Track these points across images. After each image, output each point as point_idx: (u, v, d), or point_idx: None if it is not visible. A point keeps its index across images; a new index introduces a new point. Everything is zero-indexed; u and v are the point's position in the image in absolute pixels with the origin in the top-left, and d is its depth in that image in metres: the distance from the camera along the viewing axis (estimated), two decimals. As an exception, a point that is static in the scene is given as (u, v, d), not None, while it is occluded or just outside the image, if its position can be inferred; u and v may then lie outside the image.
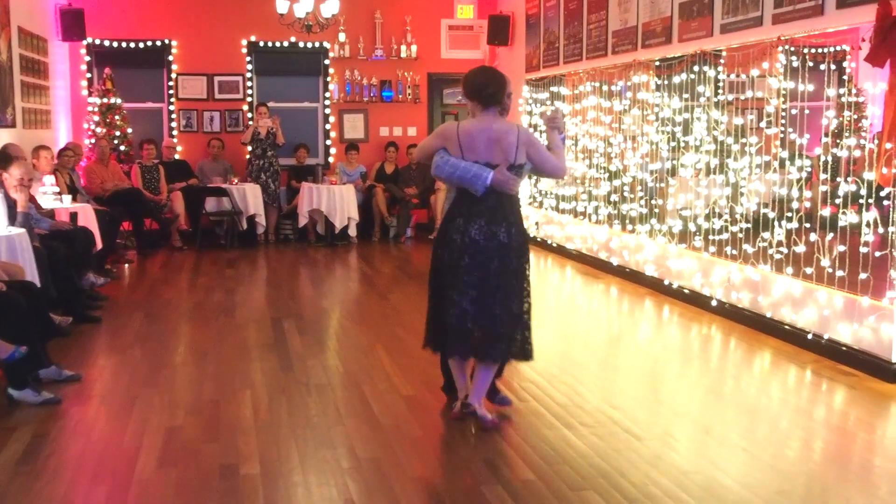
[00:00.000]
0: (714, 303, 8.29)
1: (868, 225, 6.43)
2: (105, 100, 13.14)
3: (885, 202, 6.27)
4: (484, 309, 5.13)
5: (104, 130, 13.06)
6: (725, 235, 8.24)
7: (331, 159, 14.54)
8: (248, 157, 13.66)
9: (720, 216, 8.35)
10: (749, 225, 7.92)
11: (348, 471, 4.60)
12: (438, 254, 5.29)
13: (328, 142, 14.62)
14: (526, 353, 5.31)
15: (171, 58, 14.00)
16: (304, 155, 14.07)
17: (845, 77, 8.39)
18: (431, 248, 5.47)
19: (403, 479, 4.50)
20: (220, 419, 5.42)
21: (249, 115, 14.17)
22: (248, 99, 14.31)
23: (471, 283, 5.11)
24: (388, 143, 14.35)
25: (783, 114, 7.68)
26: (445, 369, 5.61)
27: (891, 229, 6.19)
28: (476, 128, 5.17)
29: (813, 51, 7.63)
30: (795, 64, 7.31)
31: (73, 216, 9.57)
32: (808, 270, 7.05)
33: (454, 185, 5.22)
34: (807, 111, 7.27)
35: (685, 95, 8.93)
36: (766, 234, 7.58)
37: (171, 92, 14.09)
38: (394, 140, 14.53)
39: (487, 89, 5.21)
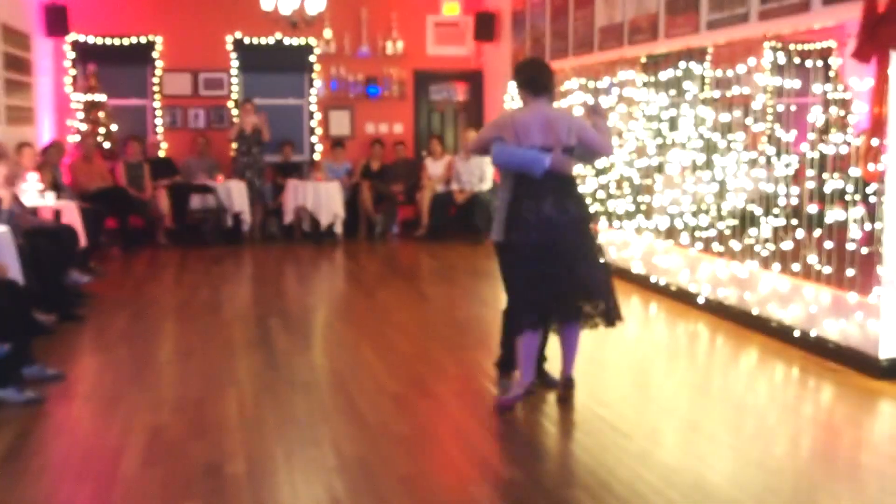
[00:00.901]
0: (701, 299, 8.30)
1: (855, 221, 6.43)
2: (89, 96, 13.07)
3: (872, 198, 6.28)
4: (567, 275, 5.34)
5: (88, 127, 12.99)
6: (712, 232, 8.24)
7: (317, 156, 14.48)
8: (233, 154, 13.59)
9: (707, 213, 8.35)
10: (736, 221, 7.92)
11: (334, 469, 4.58)
12: (509, 237, 5.46)
13: (314, 138, 14.57)
14: (615, 317, 5.58)
15: (155, 54, 13.91)
16: (290, 152, 14.03)
17: (832, 73, 8.40)
18: (496, 238, 5.63)
19: (390, 478, 4.48)
20: (205, 417, 5.39)
21: (235, 111, 14.10)
22: (234, 96, 14.23)
23: (549, 257, 5.32)
24: (374, 140, 14.31)
25: (770, 110, 7.69)
26: (508, 346, 5.71)
27: (877, 225, 6.20)
28: (530, 116, 5.44)
29: (799, 47, 7.64)
30: (782, 60, 7.32)
31: (57, 214, 9.51)
32: (795, 267, 7.05)
33: (513, 171, 5.46)
34: (793, 107, 7.28)
35: (672, 92, 8.93)
36: (753, 231, 7.58)
37: (155, 88, 13.99)
38: (380, 137, 14.49)
39: (540, 79, 5.53)
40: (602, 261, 5.62)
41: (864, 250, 6.34)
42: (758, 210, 7.55)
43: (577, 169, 6.78)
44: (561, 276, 5.34)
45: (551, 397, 5.72)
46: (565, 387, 5.60)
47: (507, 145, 5.41)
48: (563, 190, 5.39)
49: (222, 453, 4.79)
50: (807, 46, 7.72)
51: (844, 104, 7.14)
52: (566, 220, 5.35)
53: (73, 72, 13.54)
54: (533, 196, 5.35)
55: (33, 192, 9.66)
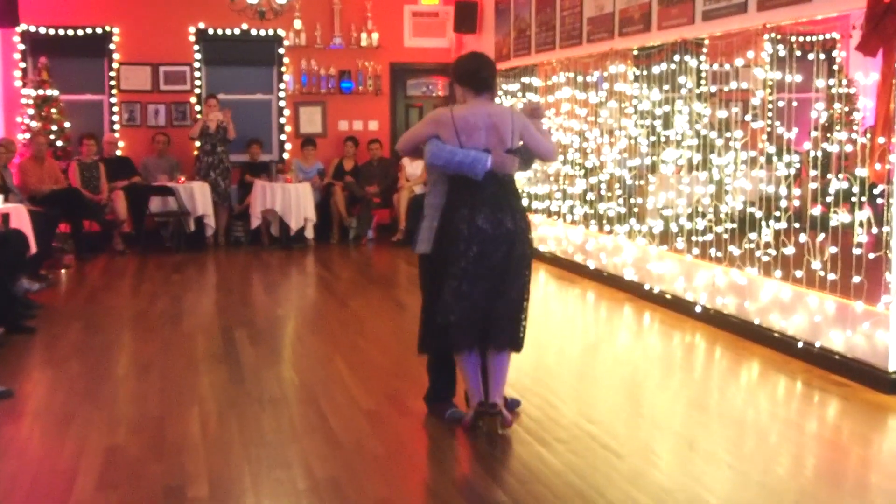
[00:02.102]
0: (698, 308, 8.31)
1: (861, 225, 6.45)
2: (41, 91, 13.00)
3: (879, 200, 6.30)
4: (496, 295, 5.31)
5: (40, 125, 12.92)
6: (709, 236, 8.26)
7: (286, 155, 14.46)
8: (196, 153, 13.56)
9: (704, 216, 8.37)
10: (734, 225, 7.94)
11: (305, 492, 4.55)
12: (440, 248, 5.37)
13: (283, 136, 14.54)
14: (520, 343, 5.49)
15: (112, 46, 13.85)
16: (257, 151, 14.00)
17: (835, 67, 8.46)
18: (417, 247, 5.53)
19: (365, 501, 4.45)
20: (165, 437, 5.35)
21: (198, 107, 14.07)
22: (197, 91, 14.19)
23: (480, 273, 5.26)
24: (348, 138, 14.29)
25: (770, 106, 7.72)
26: (436, 373, 5.67)
27: (885, 229, 6.22)
28: (473, 113, 5.35)
29: (801, 39, 7.68)
30: (782, 53, 7.34)
31: (5, 218, 9.43)
32: (798, 274, 7.07)
33: (451, 172, 5.33)
34: (795, 103, 7.30)
35: (665, 87, 8.95)
36: (753, 235, 7.60)
37: (112, 83, 13.94)
38: (353, 135, 14.47)
39: (481, 73, 5.44)
40: (528, 283, 5.50)
41: (872, 256, 6.36)
42: (758, 213, 7.56)
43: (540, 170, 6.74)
44: (491, 296, 5.30)
45: (534, 413, 5.70)
46: (491, 414, 5.33)
47: (446, 144, 5.30)
48: (502, 200, 5.31)
49: (184, 476, 4.75)
50: (809, 38, 7.75)
51: (849, 100, 7.23)
52: (500, 235, 5.27)
53: (23, 65, 13.48)
54: (469, 205, 5.27)
55: (-21, 195, 9.59)
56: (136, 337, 8.01)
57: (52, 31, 13.58)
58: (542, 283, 10.72)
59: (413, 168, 13.62)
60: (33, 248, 9.49)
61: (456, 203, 5.32)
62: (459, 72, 5.49)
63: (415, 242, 5.56)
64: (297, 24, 14.25)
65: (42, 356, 7.38)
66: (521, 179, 12.40)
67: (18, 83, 13.37)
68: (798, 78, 7.25)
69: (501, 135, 5.31)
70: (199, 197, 12.86)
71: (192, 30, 14.11)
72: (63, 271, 11.12)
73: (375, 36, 14.61)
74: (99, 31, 13.79)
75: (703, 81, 8.55)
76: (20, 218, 9.64)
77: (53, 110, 13.07)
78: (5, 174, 10.91)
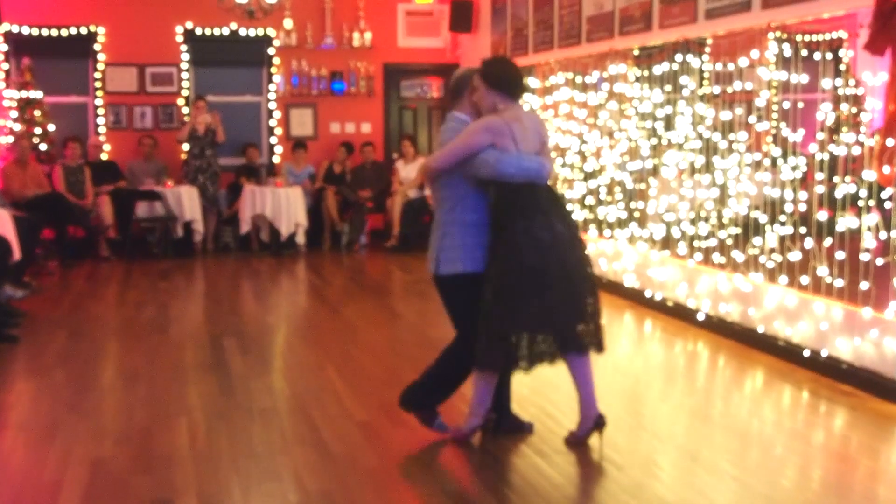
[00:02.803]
0: (700, 316, 8.31)
1: (869, 229, 6.46)
2: (24, 93, 12.95)
3: (887, 204, 6.31)
4: (570, 300, 5.34)
5: (23, 127, 12.88)
6: (713, 242, 8.26)
7: (276, 159, 14.45)
8: (184, 156, 13.54)
9: (707, 220, 8.38)
10: (738, 230, 7.95)
11: (296, 506, 4.54)
12: (501, 265, 5.22)
13: (273, 139, 14.53)
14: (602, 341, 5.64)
15: (97, 46, 13.84)
16: (255, 154, 13.98)
17: (842, 67, 8.49)
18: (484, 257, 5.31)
19: (358, 515, 4.45)
20: (152, 449, 5.34)
21: (186, 110, 14.06)
22: (184, 92, 14.18)
23: (549, 282, 5.22)
24: (340, 141, 14.29)
25: (775, 108, 7.73)
26: (436, 385, 5.61)
27: (893, 234, 6.22)
28: (520, 118, 5.34)
29: (807, 38, 7.70)
30: (788, 53, 7.35)
31: (-13, 223, 9.42)
32: (804, 280, 7.08)
33: (519, 180, 5.20)
34: (800, 104, 7.31)
35: (667, 87, 8.96)
36: (758, 240, 7.61)
37: (97, 85, 13.92)
38: (346, 137, 14.47)
39: (521, 79, 5.49)
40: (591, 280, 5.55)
41: (880, 261, 6.37)
42: (762, 217, 7.57)
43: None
44: (558, 303, 5.26)
45: (535, 424, 5.69)
46: (598, 426, 5.39)
47: (505, 153, 5.19)
48: (557, 203, 5.38)
49: (172, 489, 4.74)
50: (815, 37, 7.78)
51: (856, 100, 7.24)
52: (566, 239, 5.29)
53: (5, 66, 13.46)
54: (541, 210, 5.23)
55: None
56: (123, 346, 8.00)
57: (35, 31, 13.56)
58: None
59: (407, 172, 13.62)
60: (17, 255, 9.46)
61: (519, 211, 5.19)
62: (498, 77, 5.37)
63: (441, 262, 5.34)
64: (288, 23, 14.25)
65: (25, 365, 7.37)
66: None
67: (1, 85, 13.36)
68: (804, 78, 7.26)
69: (543, 138, 5.44)
70: (186, 202, 12.85)
71: (179, 29, 14.10)
72: (47, 278, 11.10)
73: (368, 35, 14.61)
74: (84, 30, 13.77)
75: (705, 82, 8.56)
76: (3, 223, 9.61)
77: (37, 112, 13.02)
78: (-13, 178, 10.89)
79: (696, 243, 8.51)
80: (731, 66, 7.97)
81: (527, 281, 5.17)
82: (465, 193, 5.32)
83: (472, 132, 5.26)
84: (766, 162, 7.70)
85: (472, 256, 5.28)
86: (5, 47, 13.47)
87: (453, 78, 5.62)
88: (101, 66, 13.89)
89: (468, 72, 5.53)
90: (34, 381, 6.92)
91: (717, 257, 8.19)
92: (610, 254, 10.08)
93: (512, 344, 5.23)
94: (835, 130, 7.19)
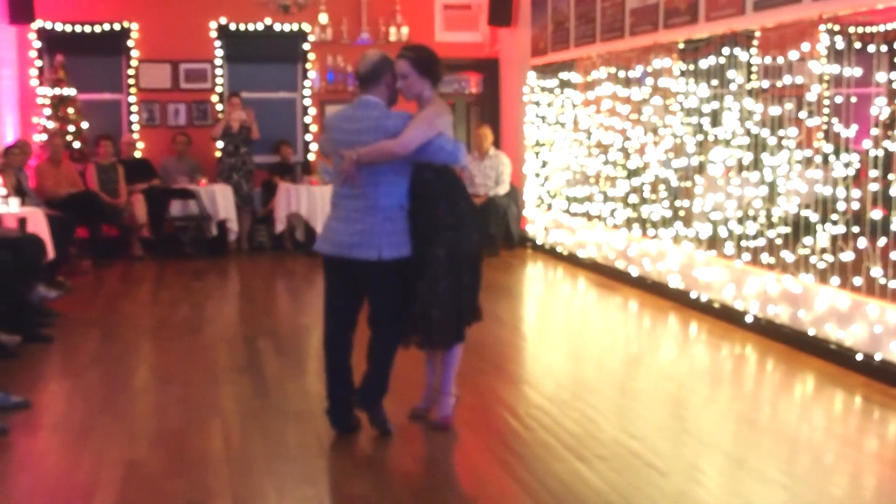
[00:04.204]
0: (748, 318, 8.26)
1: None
2: (57, 91, 13.10)
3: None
4: (461, 286, 5.73)
5: (56, 125, 13.02)
6: (761, 241, 8.21)
7: (311, 156, 14.51)
8: (217, 154, 13.62)
9: (755, 219, 8.32)
10: (788, 229, 7.89)
11: (332, 511, 4.57)
12: (459, 235, 5.67)
13: (308, 137, 14.60)
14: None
15: (130, 43, 13.95)
16: (289, 152, 14.03)
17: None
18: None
19: (395, 520, 4.46)
20: (185, 451, 5.38)
21: (220, 107, 14.15)
22: (218, 89, 14.27)
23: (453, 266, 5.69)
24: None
25: (826, 102, 7.66)
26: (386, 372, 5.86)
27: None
28: None
29: (860, 30, 7.62)
30: (840, 45, 7.28)
31: (22, 222, 9.53)
32: (857, 281, 7.02)
33: (443, 162, 5.65)
34: (853, 99, 7.25)
35: (714, 82, 8.91)
36: (808, 240, 7.55)
37: (130, 82, 14.04)
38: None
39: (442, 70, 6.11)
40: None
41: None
42: (813, 216, 7.51)
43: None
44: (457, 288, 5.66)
45: (572, 428, 5.69)
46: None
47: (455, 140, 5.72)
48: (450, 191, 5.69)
49: (206, 492, 4.78)
50: (869, 29, 7.70)
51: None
52: (458, 226, 5.65)
53: (38, 63, 13.60)
54: (430, 200, 5.61)
55: (-6, 199, 9.69)
56: (156, 346, 8.07)
57: (68, 28, 13.70)
58: (580, 290, 10.69)
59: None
60: (50, 254, 9.59)
61: (450, 195, 5.65)
62: (430, 65, 5.86)
63: (384, 247, 5.49)
64: (323, 18, 14.30)
65: (59, 366, 7.45)
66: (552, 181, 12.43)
67: (34, 82, 13.50)
68: (857, 72, 7.19)
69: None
70: (220, 200, 12.92)
71: (213, 25, 14.18)
72: (80, 278, 11.21)
73: (405, 30, 14.62)
74: (117, 27, 13.89)
75: (753, 76, 8.51)
76: (37, 222, 9.74)
77: (70, 110, 13.15)
78: (21, 177, 11.01)
79: (743, 243, 8.46)
80: (780, 60, 7.92)
81: (471, 259, 5.67)
82: (403, 179, 5.56)
83: (438, 120, 5.65)
84: (818, 159, 7.64)
85: (408, 241, 5.54)
86: (39, 44, 13.61)
87: (367, 62, 5.76)
88: (134, 63, 14.01)
89: (384, 57, 5.82)
90: (67, 382, 6.99)
91: (765, 257, 8.13)
92: (654, 254, 10.04)
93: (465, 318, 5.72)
94: (890, 126, 7.13)
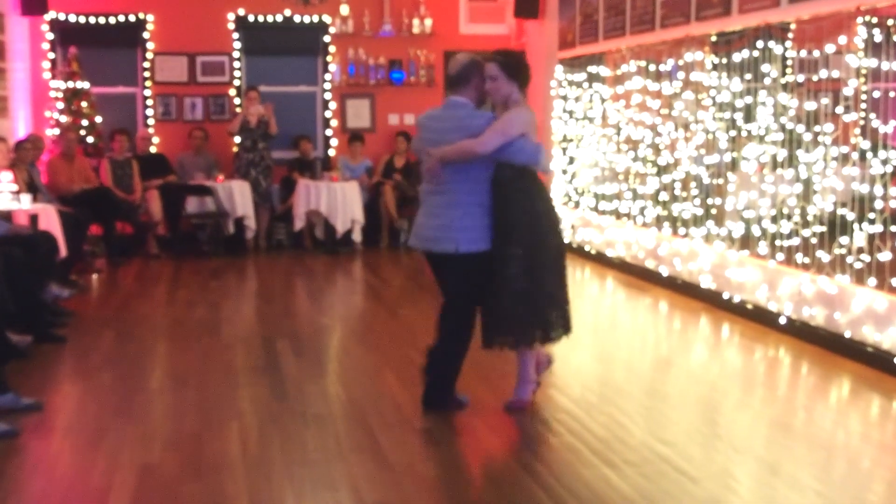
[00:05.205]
0: (782, 320, 8.24)
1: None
2: (70, 84, 13.17)
3: None
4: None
5: (69, 119, 13.09)
6: (796, 241, 8.18)
7: (331, 152, 14.54)
8: (235, 149, 13.68)
9: (789, 218, 8.30)
10: (824, 228, 7.86)
11: (352, 516, 4.58)
12: (538, 235, 6.02)
13: (328, 132, 14.63)
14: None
15: (146, 35, 14.03)
16: (308, 147, 14.06)
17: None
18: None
19: (417, 527, 4.48)
20: (202, 455, 5.41)
21: (237, 101, 14.20)
22: (236, 82, 14.33)
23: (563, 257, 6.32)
24: (398, 133, 14.33)
25: (864, 97, 7.63)
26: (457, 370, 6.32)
27: None
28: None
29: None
30: (878, 38, 7.26)
31: (34, 219, 9.59)
32: (895, 282, 6.99)
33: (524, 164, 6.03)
34: (892, 94, 7.22)
35: (747, 76, 8.88)
36: (844, 240, 7.52)
37: (146, 75, 14.12)
38: (405, 129, 14.49)
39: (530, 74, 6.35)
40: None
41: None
42: (850, 215, 7.49)
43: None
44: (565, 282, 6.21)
45: (601, 433, 5.69)
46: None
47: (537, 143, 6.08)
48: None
49: (222, 497, 4.81)
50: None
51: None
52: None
53: (52, 55, 13.69)
54: (540, 197, 6.10)
55: (6, 194, 9.74)
56: (172, 347, 8.10)
57: (82, 20, 13.78)
58: (609, 290, 10.69)
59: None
60: (63, 252, 9.64)
61: (530, 195, 6.03)
62: (518, 69, 6.15)
63: (462, 241, 5.93)
64: (344, 9, 14.33)
65: (72, 367, 7.49)
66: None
67: (47, 75, 13.59)
68: None
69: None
70: (238, 197, 12.96)
71: (231, 17, 14.23)
72: (94, 276, 11.28)
73: (428, 22, 14.63)
74: (132, 18, 13.96)
75: (788, 70, 8.48)
76: (49, 219, 9.79)
77: (84, 104, 13.21)
78: (33, 173, 11.07)
79: (777, 242, 8.43)
80: (816, 53, 7.89)
81: (553, 258, 6.03)
82: (484, 177, 5.97)
83: (521, 122, 5.95)
84: (854, 155, 7.61)
85: (488, 236, 5.95)
86: (52, 36, 13.70)
87: (457, 63, 6.18)
88: (149, 56, 14.08)
89: (474, 59, 6.18)
90: (81, 383, 7.03)
91: (800, 257, 8.11)
92: (685, 253, 10.02)
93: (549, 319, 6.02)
94: (929, 122, 7.09)
